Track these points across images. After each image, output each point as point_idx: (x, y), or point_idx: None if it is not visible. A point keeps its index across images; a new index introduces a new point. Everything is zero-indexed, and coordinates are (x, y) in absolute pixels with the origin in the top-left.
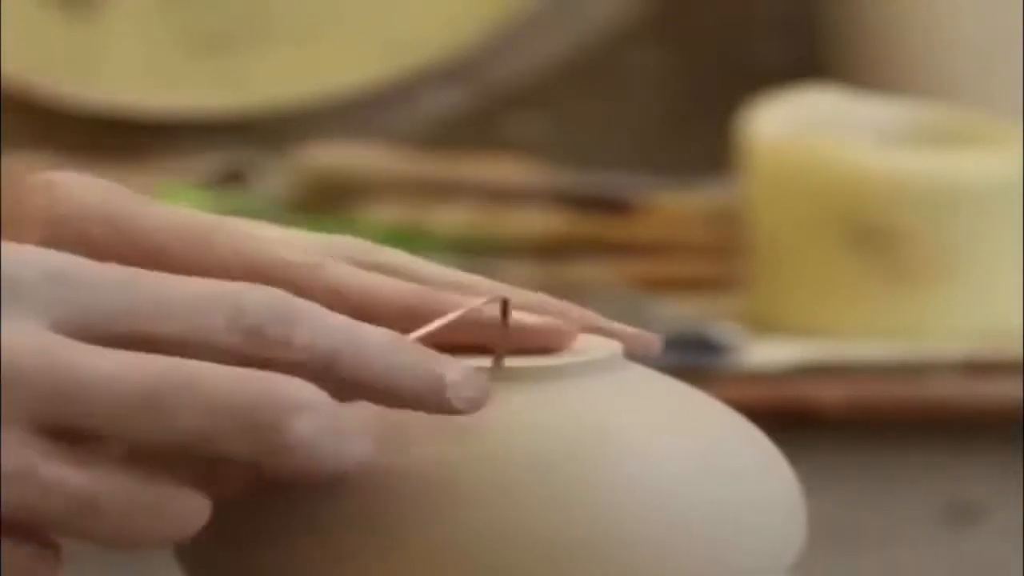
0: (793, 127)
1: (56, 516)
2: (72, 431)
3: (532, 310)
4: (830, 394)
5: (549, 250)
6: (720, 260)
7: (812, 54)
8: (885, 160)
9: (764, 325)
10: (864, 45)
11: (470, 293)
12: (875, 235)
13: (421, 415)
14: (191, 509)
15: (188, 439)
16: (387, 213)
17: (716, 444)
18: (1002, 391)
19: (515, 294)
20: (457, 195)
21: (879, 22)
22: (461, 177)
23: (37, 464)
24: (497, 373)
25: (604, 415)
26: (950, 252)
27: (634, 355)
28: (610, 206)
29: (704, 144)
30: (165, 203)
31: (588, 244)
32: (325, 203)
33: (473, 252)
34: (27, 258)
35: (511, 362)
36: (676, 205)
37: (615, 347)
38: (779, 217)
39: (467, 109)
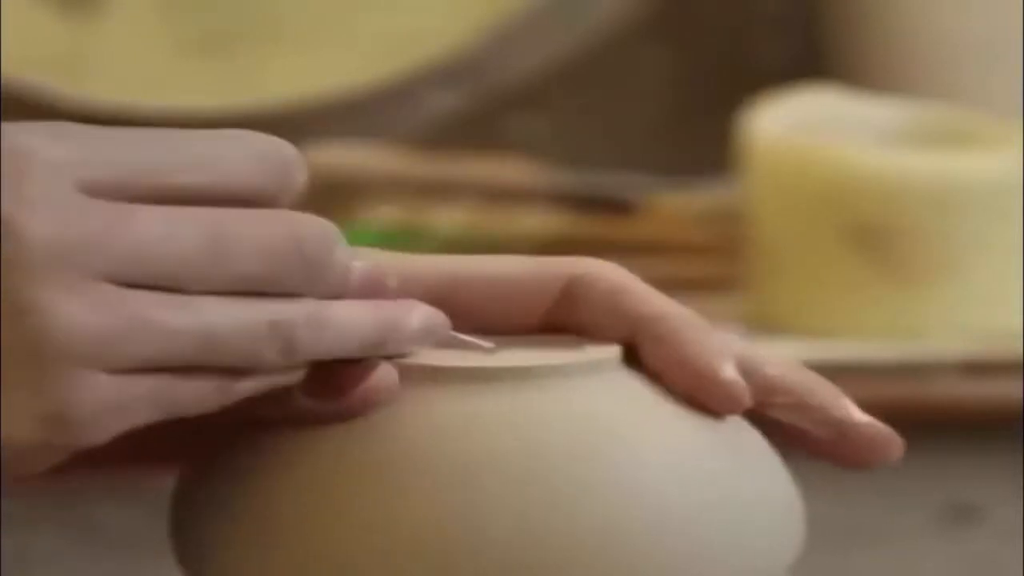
0: (793, 127)
1: (183, 358)
2: (149, 288)
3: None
4: None
5: (549, 250)
6: (720, 260)
7: (812, 54)
8: (885, 160)
9: (764, 325)
10: (864, 45)
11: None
12: (875, 235)
13: (418, 406)
14: (306, 316)
15: (251, 281)
16: (387, 213)
17: (712, 445)
18: (1002, 391)
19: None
20: (457, 195)
21: (879, 22)
22: (461, 177)
23: (150, 313)
24: (495, 373)
25: (601, 415)
26: (950, 252)
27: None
28: (610, 206)
29: (704, 144)
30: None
31: (588, 244)
32: (325, 203)
33: (473, 252)
34: (29, 126)
35: (507, 361)
36: (676, 205)
37: (613, 348)
38: (779, 217)
39: (467, 109)
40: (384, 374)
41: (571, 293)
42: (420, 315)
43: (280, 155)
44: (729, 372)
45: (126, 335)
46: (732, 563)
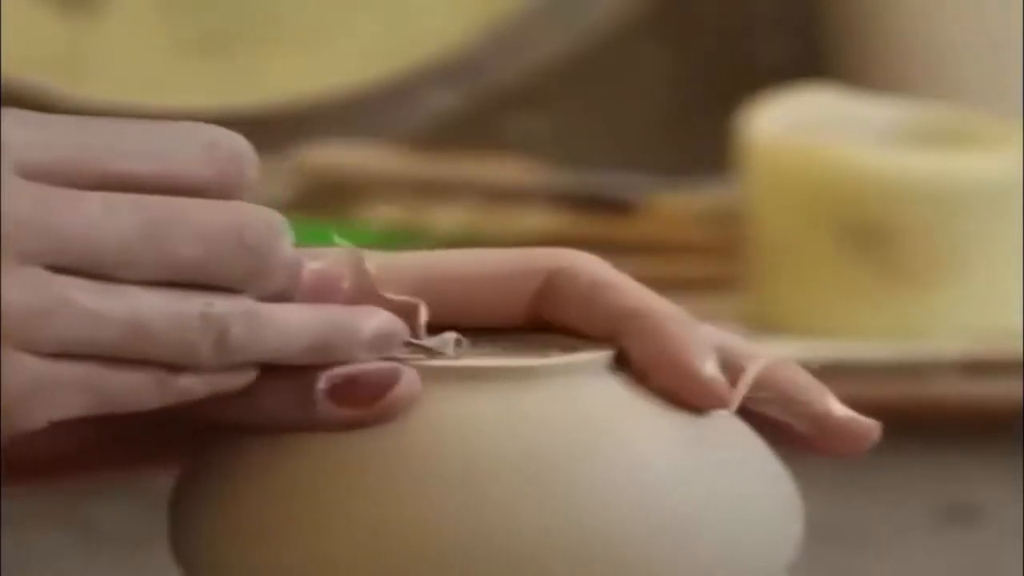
0: (793, 127)
1: (109, 344)
2: (79, 274)
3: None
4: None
5: (550, 248)
6: (720, 260)
7: (812, 54)
8: (885, 160)
9: (764, 325)
10: (864, 45)
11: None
12: (875, 235)
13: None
14: (242, 312)
15: (187, 269)
16: (387, 213)
17: (709, 444)
18: (1002, 391)
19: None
20: (457, 195)
21: (879, 22)
22: (461, 177)
23: (74, 296)
24: (493, 373)
25: (598, 415)
26: (950, 252)
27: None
28: (610, 206)
29: (704, 144)
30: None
31: (588, 244)
32: (325, 203)
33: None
34: None
35: (505, 361)
36: (676, 205)
37: (604, 348)
38: (779, 217)
39: (467, 109)
40: (409, 381)
41: (552, 287)
42: (375, 322)
43: (231, 148)
44: (710, 369)
45: (48, 316)
46: (731, 563)
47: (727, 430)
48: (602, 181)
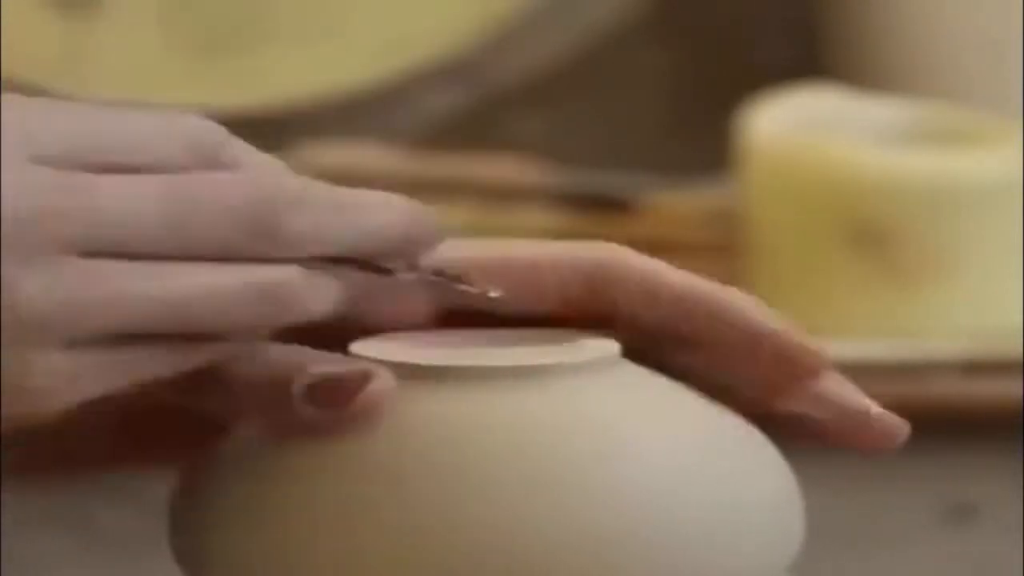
0: (793, 127)
1: (157, 325)
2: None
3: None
4: None
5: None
6: (720, 260)
7: (812, 54)
8: (885, 160)
9: None
10: (864, 45)
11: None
12: (875, 235)
13: (417, 406)
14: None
15: (208, 249)
16: None
17: (712, 443)
18: (1002, 391)
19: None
20: (457, 195)
21: (879, 22)
22: (461, 177)
23: (117, 283)
24: (495, 372)
25: (600, 414)
26: (950, 252)
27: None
28: (610, 206)
29: (704, 144)
30: None
31: None
32: None
33: None
34: None
35: (507, 360)
36: (676, 205)
37: (612, 346)
38: (779, 217)
39: (467, 109)
40: (383, 380)
41: (602, 277)
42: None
43: (202, 131)
44: (804, 338)
45: (94, 305)
46: (732, 562)
47: (732, 429)
48: (602, 181)
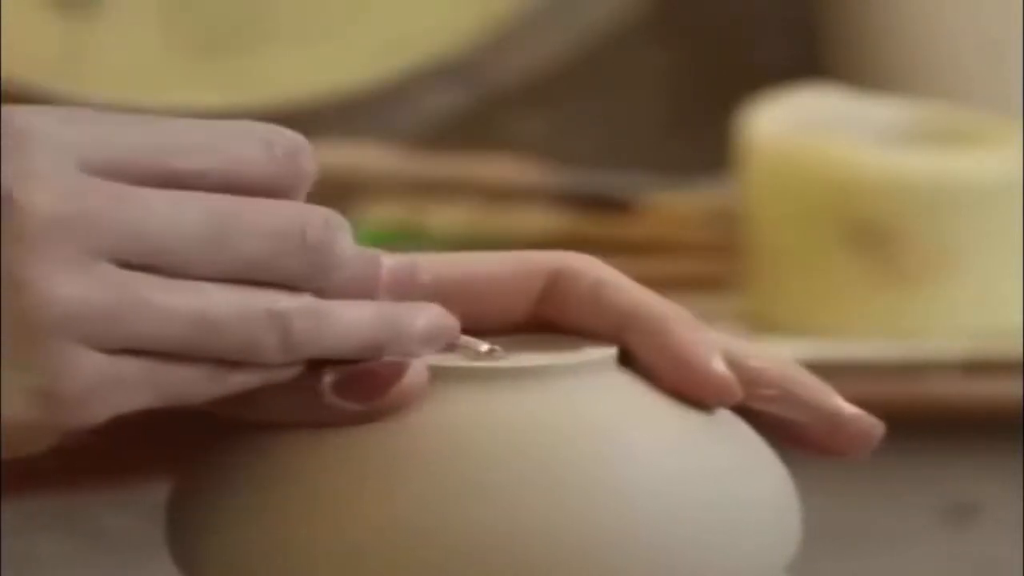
0: (793, 127)
1: (177, 340)
2: (147, 270)
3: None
4: None
5: (549, 250)
6: (720, 260)
7: (812, 54)
8: (885, 160)
9: (764, 325)
10: (864, 45)
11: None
12: (875, 235)
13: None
14: (305, 309)
15: (252, 266)
16: (387, 213)
17: (710, 444)
18: (1002, 391)
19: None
20: (457, 195)
21: (879, 22)
22: (461, 177)
23: (146, 293)
24: (495, 373)
25: (600, 415)
26: (950, 252)
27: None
28: (610, 206)
29: (704, 144)
30: None
31: (588, 244)
32: (325, 203)
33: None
34: (33, 108)
35: (506, 361)
36: (676, 205)
37: (608, 348)
38: (779, 217)
39: (467, 109)
40: (417, 374)
41: (555, 288)
42: (427, 317)
43: (288, 144)
44: (718, 365)
45: (121, 314)
46: (730, 563)
47: (729, 430)
48: (602, 181)
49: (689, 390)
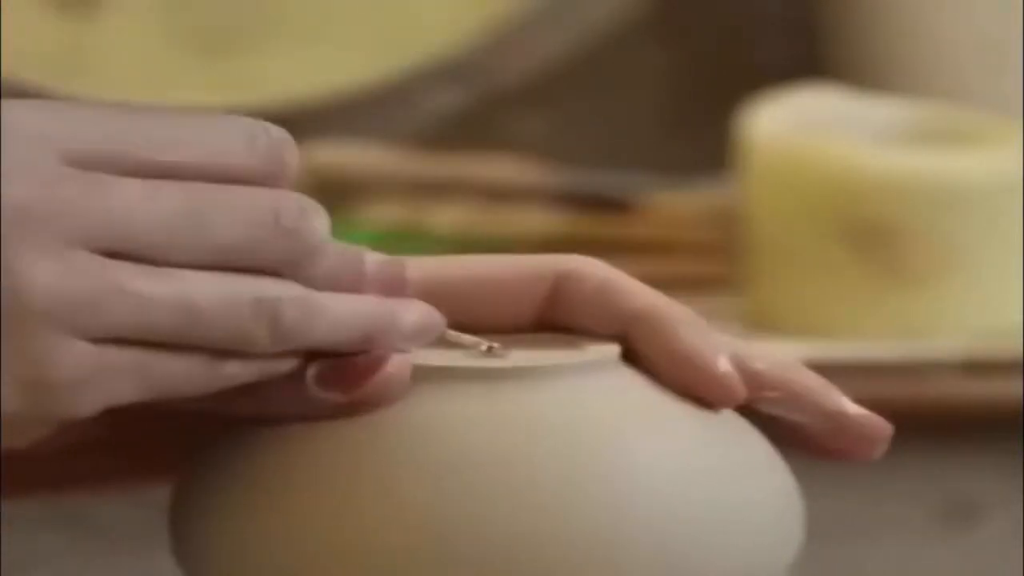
0: (793, 127)
1: (162, 329)
2: (128, 258)
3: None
4: None
5: (549, 250)
6: (720, 260)
7: (812, 54)
8: (885, 160)
9: (764, 325)
10: (864, 45)
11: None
12: (875, 234)
13: (418, 406)
14: (294, 298)
15: (228, 253)
16: (387, 213)
17: (712, 444)
18: (1002, 391)
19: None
20: (457, 195)
21: (879, 22)
22: (461, 177)
23: (126, 280)
24: (495, 373)
25: (601, 415)
26: (950, 251)
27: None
28: (610, 206)
29: (704, 144)
30: None
31: (588, 244)
32: (325, 203)
33: (473, 252)
34: (15, 100)
35: (507, 361)
36: (676, 205)
37: (612, 348)
38: (779, 217)
39: (467, 109)
40: (399, 366)
41: (560, 290)
42: (416, 312)
43: (271, 137)
44: (724, 365)
45: (102, 302)
46: (732, 562)
47: (731, 430)
48: (602, 181)
49: (694, 390)
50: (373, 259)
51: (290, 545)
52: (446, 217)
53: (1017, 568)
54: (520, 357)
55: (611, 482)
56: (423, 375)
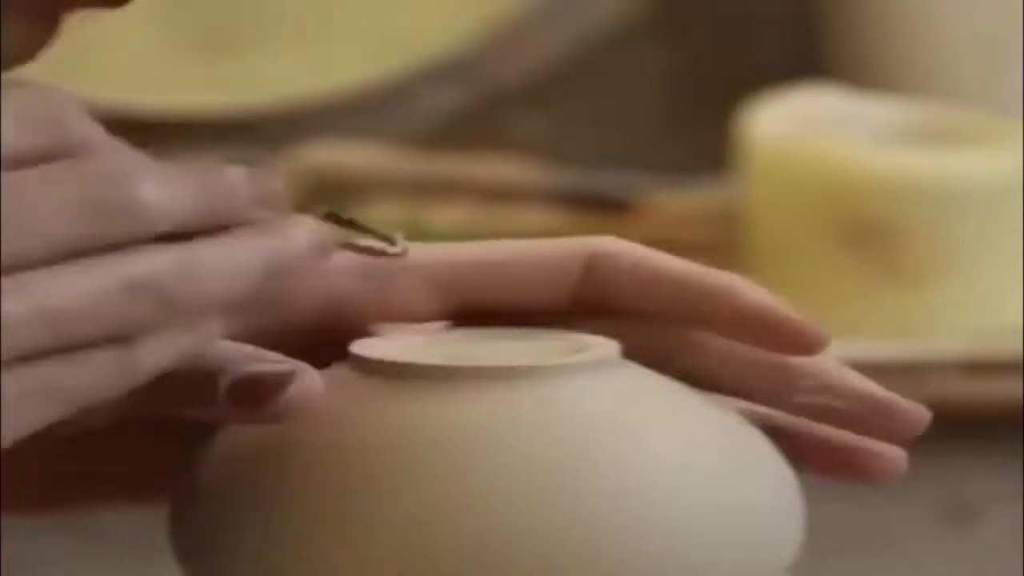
0: (793, 127)
1: (33, 343)
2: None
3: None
4: None
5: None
6: (720, 260)
7: (812, 54)
8: (885, 160)
9: None
10: (864, 45)
11: None
12: (875, 234)
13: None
14: (161, 264)
15: (65, 248)
16: (387, 213)
17: (712, 443)
18: (1002, 391)
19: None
20: (457, 194)
21: (879, 22)
22: (461, 176)
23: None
24: (496, 372)
25: (601, 414)
26: (950, 251)
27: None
28: (610, 206)
29: (704, 144)
30: None
31: None
32: (325, 203)
33: None
34: None
35: (507, 360)
36: (676, 205)
37: (613, 347)
38: (779, 217)
39: (467, 108)
40: (308, 381)
41: (594, 268)
42: (305, 228)
43: (45, 109)
44: (800, 315)
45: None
46: (731, 562)
47: (732, 429)
48: (602, 180)
49: (777, 344)
50: (237, 175)
51: (290, 546)
52: (446, 217)
53: (1017, 568)
54: (522, 357)
55: (611, 481)
56: (422, 375)
